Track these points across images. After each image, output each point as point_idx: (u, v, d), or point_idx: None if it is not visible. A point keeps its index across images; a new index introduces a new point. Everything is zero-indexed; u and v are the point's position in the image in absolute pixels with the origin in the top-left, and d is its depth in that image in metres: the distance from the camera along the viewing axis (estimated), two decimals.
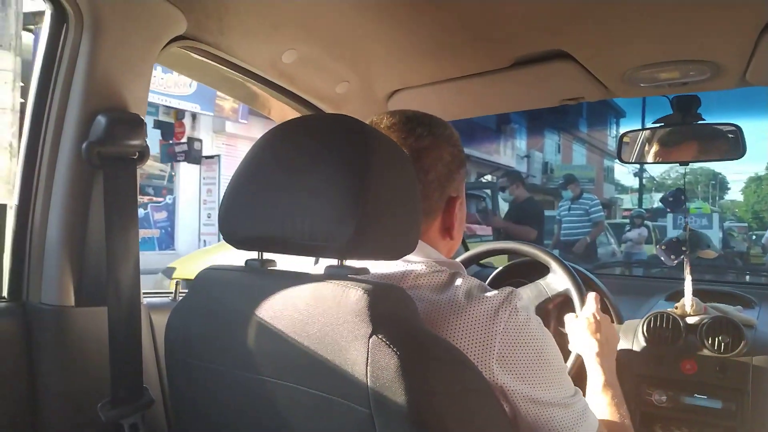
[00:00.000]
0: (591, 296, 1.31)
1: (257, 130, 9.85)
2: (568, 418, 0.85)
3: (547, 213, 6.61)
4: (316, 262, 1.49)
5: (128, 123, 1.03)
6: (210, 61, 1.20)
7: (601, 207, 6.84)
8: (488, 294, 0.85)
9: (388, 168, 0.79)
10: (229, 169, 10.63)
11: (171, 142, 10.32)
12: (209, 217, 10.78)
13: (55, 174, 1.04)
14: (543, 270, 1.54)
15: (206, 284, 0.97)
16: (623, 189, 29.59)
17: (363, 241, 0.75)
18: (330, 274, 0.81)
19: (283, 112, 1.45)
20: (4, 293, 1.08)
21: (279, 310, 0.82)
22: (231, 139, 11.46)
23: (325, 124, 0.87)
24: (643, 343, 1.49)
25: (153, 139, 9.65)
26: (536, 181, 19.83)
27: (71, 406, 1.05)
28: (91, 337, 1.07)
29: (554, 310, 1.56)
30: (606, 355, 1.21)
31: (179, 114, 10.12)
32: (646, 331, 1.49)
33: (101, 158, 1.01)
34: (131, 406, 1.05)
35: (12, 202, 1.08)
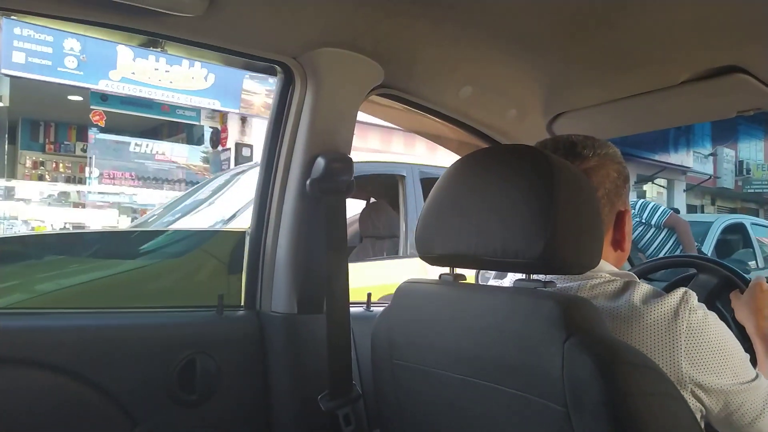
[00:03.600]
0: (757, 277, 1.38)
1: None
2: (757, 400, 0.91)
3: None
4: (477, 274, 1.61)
5: (340, 162, 1.24)
6: (403, 106, 1.39)
7: None
8: (664, 297, 0.91)
9: (572, 191, 0.88)
10: None
11: (219, 149, 8.80)
12: None
13: (283, 205, 1.28)
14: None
15: (407, 295, 1.11)
16: None
17: (551, 258, 0.85)
18: (521, 287, 0.92)
19: (462, 144, 1.60)
20: (242, 302, 1.34)
21: (477, 318, 0.93)
22: None
23: (511, 154, 0.98)
24: None
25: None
26: (726, 184, 16.91)
27: (296, 397, 1.26)
28: (310, 339, 1.27)
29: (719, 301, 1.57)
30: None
31: (224, 117, 8.53)
32: None
33: (320, 192, 1.23)
34: (344, 399, 1.24)
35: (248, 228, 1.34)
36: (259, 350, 1.28)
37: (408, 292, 1.11)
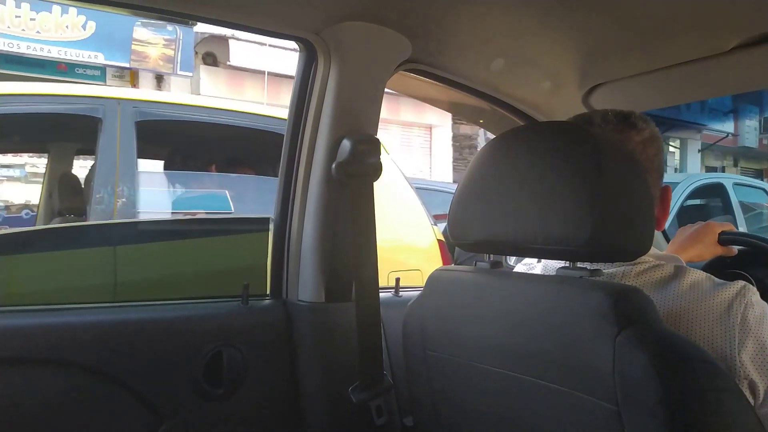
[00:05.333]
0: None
1: (252, 90, 7.85)
2: None
3: None
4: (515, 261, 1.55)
5: (367, 143, 1.18)
6: (431, 81, 1.32)
7: None
8: (720, 288, 0.85)
9: (620, 170, 0.81)
10: None
11: None
12: None
13: (308, 190, 1.23)
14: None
15: (440, 283, 1.06)
16: None
17: (598, 245, 0.79)
18: (564, 276, 0.86)
19: (495, 121, 1.52)
20: (268, 291, 1.30)
21: (516, 308, 0.88)
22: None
23: (551, 131, 0.92)
24: None
25: None
26: (749, 143, 14.98)
27: (326, 388, 1.22)
28: (338, 328, 1.23)
29: None
30: None
31: (135, 76, 7.33)
32: None
33: (347, 176, 1.17)
34: (375, 390, 1.20)
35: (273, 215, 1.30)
36: (287, 340, 1.24)
37: (441, 279, 1.06)
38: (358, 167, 1.17)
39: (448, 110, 1.74)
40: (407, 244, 2.65)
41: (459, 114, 1.60)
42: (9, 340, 1.01)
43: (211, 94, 7.57)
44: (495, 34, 1.26)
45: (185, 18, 1.09)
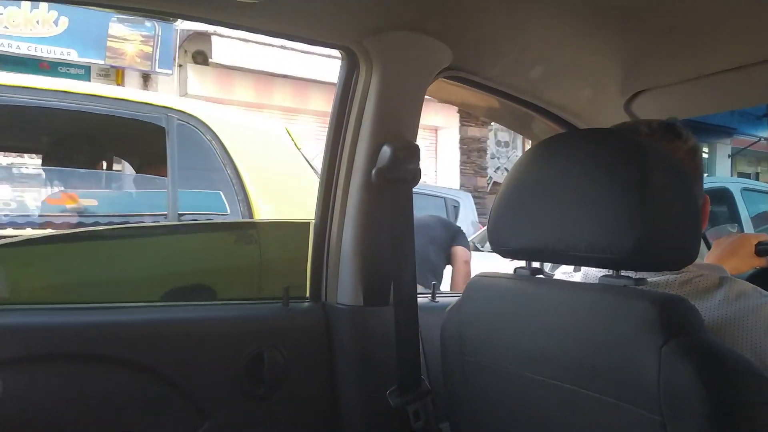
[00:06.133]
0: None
1: (242, 90, 7.66)
2: None
3: None
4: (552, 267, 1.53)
5: (406, 150, 1.19)
6: (471, 88, 1.33)
7: None
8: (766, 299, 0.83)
9: (667, 178, 0.80)
10: None
11: None
12: None
13: (348, 195, 1.24)
14: None
15: (479, 290, 1.06)
16: None
17: (644, 253, 0.78)
18: (608, 284, 0.85)
19: (535, 127, 1.52)
20: (307, 294, 1.31)
21: (557, 316, 0.87)
22: None
23: (595, 138, 0.91)
24: None
25: None
26: None
27: (363, 391, 1.23)
28: (377, 332, 1.24)
29: None
30: None
31: (121, 75, 6.96)
32: None
33: (386, 181, 1.19)
34: (413, 394, 1.20)
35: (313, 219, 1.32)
36: (326, 343, 1.26)
37: (480, 286, 1.06)
38: (397, 173, 1.19)
39: (486, 117, 1.76)
40: None
41: (498, 121, 1.60)
42: (55, 337, 1.05)
43: (199, 93, 7.31)
44: (535, 40, 1.25)
45: (226, 26, 1.10)
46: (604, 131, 0.94)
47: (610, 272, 0.86)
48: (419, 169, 1.21)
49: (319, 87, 7.96)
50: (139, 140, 2.68)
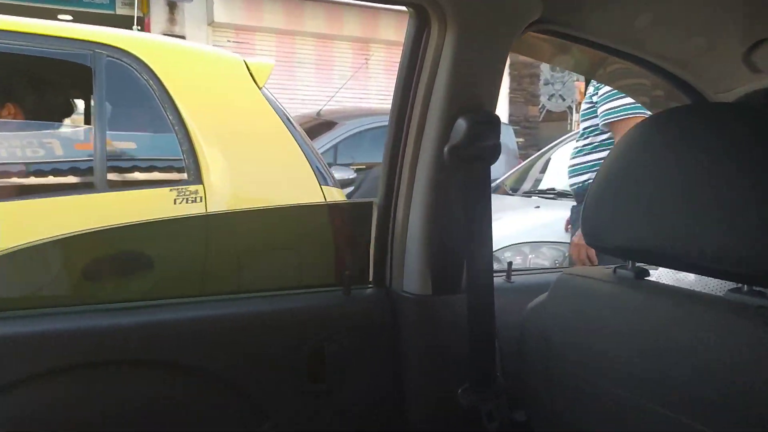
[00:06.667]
0: None
1: (271, 15, 7.28)
2: None
3: None
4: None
5: (486, 123, 1.02)
6: (562, 41, 1.13)
7: None
8: None
9: None
10: None
11: None
12: None
13: (416, 173, 1.10)
14: None
15: (569, 290, 0.94)
16: None
17: None
18: (737, 302, 0.72)
19: (638, 83, 1.32)
20: (370, 280, 1.20)
21: (669, 334, 0.76)
22: (241, 34, 7.65)
23: (731, 116, 0.75)
24: None
25: None
26: None
27: (432, 388, 1.14)
28: (447, 323, 1.13)
29: None
30: None
31: (148, 3, 6.68)
32: None
33: (460, 159, 1.04)
34: (488, 393, 1.11)
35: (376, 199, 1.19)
36: (391, 334, 1.16)
37: (571, 285, 0.94)
38: (474, 150, 1.03)
39: (577, 71, 1.56)
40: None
41: (595, 77, 1.40)
42: (104, 341, 0.98)
43: (225, 21, 7.17)
44: None
45: None
46: (744, 107, 0.78)
47: (740, 285, 0.72)
48: (499, 144, 1.05)
49: (354, 11, 7.62)
50: (62, 83, 2.31)
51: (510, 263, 1.33)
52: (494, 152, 1.05)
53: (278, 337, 1.09)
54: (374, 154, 4.46)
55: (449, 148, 1.03)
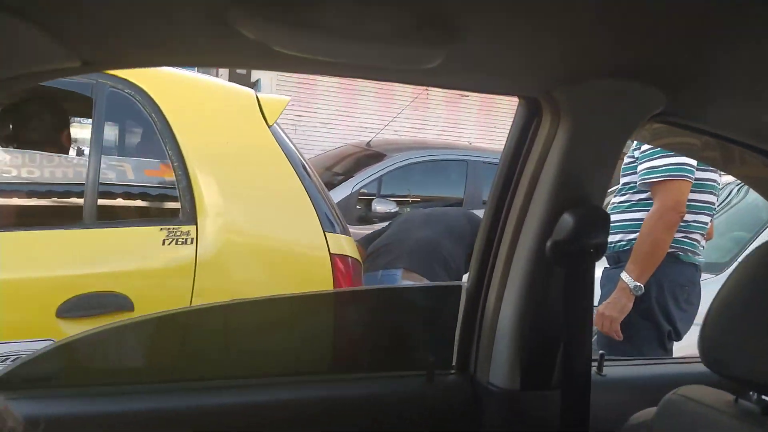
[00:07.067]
0: None
1: None
2: None
3: None
4: None
5: (594, 219, 0.96)
6: (682, 131, 1.07)
7: None
8: None
9: None
10: (306, 130, 7.21)
11: None
12: None
13: (512, 264, 1.05)
14: None
15: (679, 417, 0.85)
16: None
17: None
18: None
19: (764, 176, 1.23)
20: (452, 367, 1.14)
21: None
22: (305, 78, 7.43)
23: None
24: None
25: None
26: None
27: None
28: (536, 421, 1.06)
29: None
30: None
31: None
32: None
33: (563, 254, 0.98)
34: None
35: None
36: (473, 426, 1.09)
37: (683, 411, 0.85)
38: (579, 246, 0.98)
39: (699, 159, 1.47)
40: (287, 255, 1.84)
41: (714, 165, 1.32)
42: (209, 420, 0.96)
43: None
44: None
45: (412, 83, 1.05)
46: None
47: None
48: (606, 242, 0.99)
49: None
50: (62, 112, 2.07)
51: (602, 354, 1.24)
52: (600, 249, 0.99)
53: (362, 425, 1.04)
54: (421, 187, 4.44)
55: (552, 243, 0.97)
